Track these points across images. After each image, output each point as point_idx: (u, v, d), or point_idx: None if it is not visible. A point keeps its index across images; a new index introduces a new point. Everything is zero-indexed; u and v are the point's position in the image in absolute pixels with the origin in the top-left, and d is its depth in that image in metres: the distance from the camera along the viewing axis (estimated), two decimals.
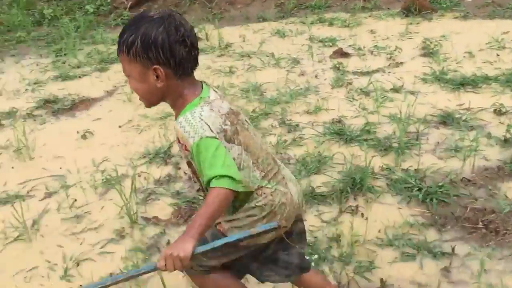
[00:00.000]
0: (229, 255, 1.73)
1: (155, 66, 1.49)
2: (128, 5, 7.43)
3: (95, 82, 5.02)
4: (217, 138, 1.49)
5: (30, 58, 5.99)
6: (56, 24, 7.17)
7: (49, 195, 3.15)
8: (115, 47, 5.68)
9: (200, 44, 5.84)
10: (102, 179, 3.26)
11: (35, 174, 3.39)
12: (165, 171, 3.30)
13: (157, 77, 1.51)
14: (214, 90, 1.63)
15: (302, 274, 1.88)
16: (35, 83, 5.07)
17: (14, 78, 5.30)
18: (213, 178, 1.45)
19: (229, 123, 1.56)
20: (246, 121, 1.68)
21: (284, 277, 1.84)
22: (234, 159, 1.53)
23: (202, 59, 5.51)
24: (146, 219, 2.82)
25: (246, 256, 1.76)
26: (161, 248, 2.57)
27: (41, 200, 3.10)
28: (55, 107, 4.44)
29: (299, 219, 1.81)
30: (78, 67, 5.48)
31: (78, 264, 2.51)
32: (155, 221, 2.80)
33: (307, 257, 2.08)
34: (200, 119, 1.50)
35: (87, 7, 7.47)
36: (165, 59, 1.48)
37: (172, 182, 3.18)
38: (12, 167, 3.52)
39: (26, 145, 3.66)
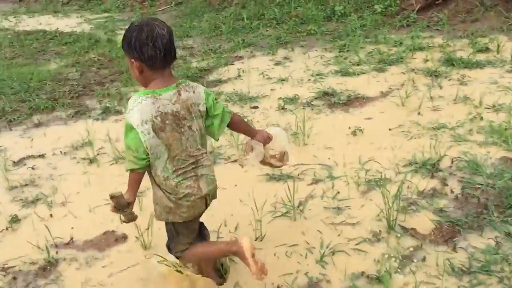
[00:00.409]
0: (185, 229, 2.24)
1: (131, 60, 2.01)
2: (416, 8, 7.33)
3: (372, 81, 5.14)
4: (130, 124, 1.98)
5: (316, 50, 6.48)
6: (344, 21, 7.57)
7: (316, 182, 3.38)
8: (396, 49, 5.75)
9: (488, 56, 5.43)
10: (366, 178, 3.34)
11: (306, 159, 3.68)
12: (430, 184, 3.19)
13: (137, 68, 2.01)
14: (179, 95, 2.04)
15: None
16: (317, 75, 5.47)
17: (300, 68, 5.82)
18: None
19: (159, 119, 2.00)
20: (190, 129, 2.07)
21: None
22: (149, 146, 2.00)
23: (487, 72, 5.14)
24: (404, 229, 2.79)
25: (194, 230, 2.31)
26: (415, 262, 2.52)
27: (309, 185, 3.35)
28: (332, 100, 4.71)
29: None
30: (358, 64, 5.69)
31: (333, 254, 2.64)
32: (413, 233, 2.74)
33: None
34: (137, 103, 1.98)
35: (376, 6, 7.65)
36: (137, 55, 1.98)
37: (436, 197, 3.05)
38: None
39: (303, 131, 3.99)
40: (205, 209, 2.24)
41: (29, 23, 11.00)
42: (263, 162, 2.48)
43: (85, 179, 3.74)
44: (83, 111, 5.20)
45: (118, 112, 5.07)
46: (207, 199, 2.20)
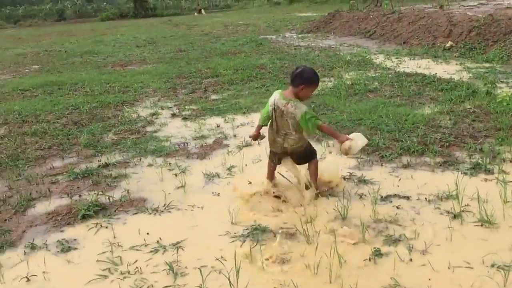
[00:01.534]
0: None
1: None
2: None
3: None
4: (268, 103, 4.41)
5: None
6: None
7: None
8: None
9: None
10: None
11: None
12: None
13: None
14: (287, 105, 4.23)
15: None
16: None
17: None
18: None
19: (274, 107, 4.29)
20: (286, 121, 4.25)
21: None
22: (270, 115, 4.40)
23: None
24: None
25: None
26: None
27: None
28: None
29: (290, 154, 4.50)
30: None
31: None
32: None
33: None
34: (273, 95, 4.40)
35: None
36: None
37: None
38: None
39: None
40: (284, 153, 4.48)
41: (409, 65, 11.65)
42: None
43: (447, 233, 3.71)
44: (451, 162, 5.17)
45: (489, 172, 4.84)
46: (286, 150, 4.41)
